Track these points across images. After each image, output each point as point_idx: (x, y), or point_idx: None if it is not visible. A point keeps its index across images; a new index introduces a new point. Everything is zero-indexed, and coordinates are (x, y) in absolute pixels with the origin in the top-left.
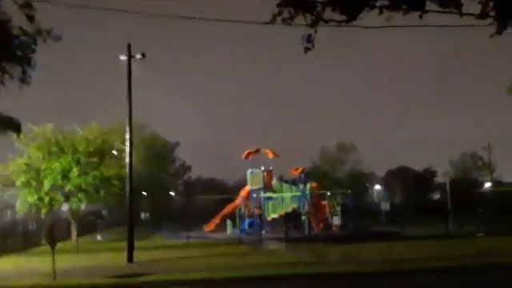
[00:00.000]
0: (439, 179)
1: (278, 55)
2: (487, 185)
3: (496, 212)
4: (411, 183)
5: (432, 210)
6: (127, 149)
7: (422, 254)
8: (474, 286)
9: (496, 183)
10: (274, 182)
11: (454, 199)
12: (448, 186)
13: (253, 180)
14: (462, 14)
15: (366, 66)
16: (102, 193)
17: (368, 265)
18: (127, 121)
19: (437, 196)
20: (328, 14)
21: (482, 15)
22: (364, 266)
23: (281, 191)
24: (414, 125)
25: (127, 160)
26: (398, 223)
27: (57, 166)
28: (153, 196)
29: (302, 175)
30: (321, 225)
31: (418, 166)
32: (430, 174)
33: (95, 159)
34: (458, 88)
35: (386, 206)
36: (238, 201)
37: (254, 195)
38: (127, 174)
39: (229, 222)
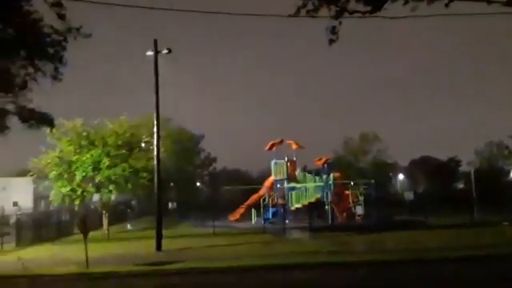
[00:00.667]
0: (464, 168)
1: (304, 46)
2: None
3: None
4: (435, 172)
5: (456, 199)
6: (155, 141)
7: (446, 242)
8: (498, 275)
9: None
10: (298, 172)
11: (479, 188)
12: (473, 175)
13: (277, 170)
14: (489, 2)
15: (391, 56)
16: (130, 184)
17: (391, 253)
18: (154, 114)
19: (461, 185)
20: (352, 5)
21: (510, 2)
22: (387, 255)
23: (304, 181)
24: (439, 114)
25: (155, 152)
26: (422, 213)
27: (88, 158)
28: (180, 187)
29: (326, 165)
30: (344, 214)
31: (442, 155)
32: (454, 163)
33: (124, 151)
34: (485, 76)
35: (409, 195)
36: (263, 191)
37: (278, 185)
38: (155, 166)
39: (253, 212)
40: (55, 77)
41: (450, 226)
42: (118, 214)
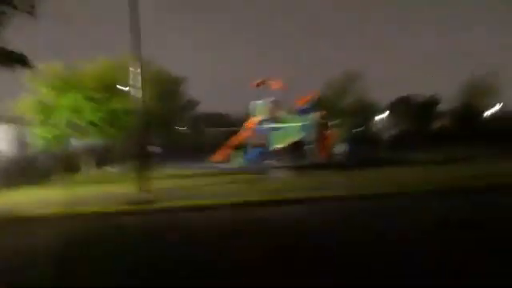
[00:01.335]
0: (444, 106)
1: None
2: (492, 110)
3: (500, 137)
4: (415, 111)
5: (435, 136)
6: (137, 82)
7: (423, 177)
8: (471, 206)
9: (501, 110)
10: (280, 112)
11: (459, 126)
12: (452, 112)
13: (259, 111)
14: None
15: None
16: (113, 128)
17: (371, 188)
18: (134, 54)
19: (441, 123)
20: None
21: None
22: (367, 189)
23: (286, 121)
24: (422, 49)
25: (137, 93)
26: (402, 150)
27: (68, 102)
28: (162, 130)
29: (309, 104)
30: (326, 153)
31: (423, 92)
32: (433, 100)
33: (104, 94)
34: (471, 12)
35: (389, 133)
36: (244, 132)
37: (260, 126)
38: (137, 107)
39: (235, 153)
40: (30, 13)
41: (428, 161)
42: (101, 158)
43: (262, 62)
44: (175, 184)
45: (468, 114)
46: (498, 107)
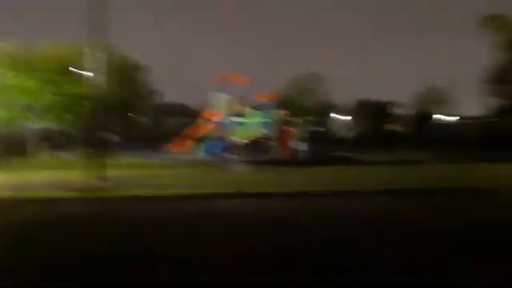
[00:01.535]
0: (401, 111)
1: None
2: (443, 117)
3: (453, 142)
4: (373, 114)
5: (392, 139)
6: (96, 67)
7: (377, 177)
8: (421, 207)
9: (453, 116)
10: (243, 107)
11: (413, 130)
12: (407, 118)
13: (221, 104)
14: None
15: None
16: (70, 112)
17: (328, 185)
18: (94, 38)
19: (397, 127)
20: None
21: None
22: (324, 186)
23: (249, 116)
24: (384, 57)
25: (96, 79)
26: (359, 150)
27: (23, 83)
28: (121, 118)
29: (271, 102)
30: (287, 150)
31: (381, 97)
32: (391, 105)
33: (63, 78)
34: (430, 22)
35: (348, 134)
36: (206, 124)
37: (222, 119)
38: (95, 93)
39: (196, 144)
40: None
41: (382, 162)
42: (57, 143)
43: (226, 56)
44: (130, 173)
45: (421, 120)
46: (449, 115)
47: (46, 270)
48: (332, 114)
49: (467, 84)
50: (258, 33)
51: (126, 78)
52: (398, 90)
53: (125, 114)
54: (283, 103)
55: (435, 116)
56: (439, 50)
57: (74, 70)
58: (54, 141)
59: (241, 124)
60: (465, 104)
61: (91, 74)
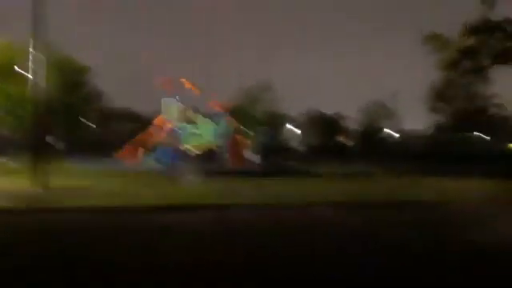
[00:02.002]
0: (348, 124)
1: None
2: (389, 131)
3: (399, 156)
4: (322, 126)
5: (339, 151)
6: (38, 68)
7: (327, 189)
8: (368, 220)
9: (399, 131)
10: (192, 114)
11: (360, 143)
12: (354, 131)
13: (169, 110)
14: None
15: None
16: (11, 115)
17: (277, 197)
18: (36, 37)
19: (344, 139)
20: None
21: None
22: (273, 199)
23: (199, 124)
24: (336, 66)
25: (38, 80)
26: (308, 162)
27: None
28: (64, 122)
29: (222, 110)
30: (237, 160)
31: (329, 109)
32: (339, 118)
33: (4, 79)
34: (379, 31)
35: (298, 145)
36: (153, 130)
37: (170, 126)
38: (36, 95)
39: (142, 152)
40: None
41: (332, 174)
42: None
43: (173, 62)
44: (76, 182)
45: (368, 134)
46: (395, 129)
47: None
48: (285, 125)
49: (413, 98)
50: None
51: (71, 80)
52: (346, 102)
53: (70, 118)
54: (234, 113)
55: (382, 130)
56: (387, 61)
57: (16, 70)
58: None
59: (192, 133)
60: (410, 118)
61: (33, 76)
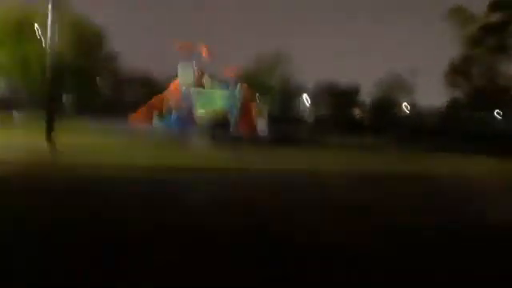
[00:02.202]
0: (363, 97)
1: None
2: (404, 106)
3: (412, 131)
4: (335, 98)
5: (351, 124)
6: (53, 28)
7: (337, 160)
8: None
9: (415, 106)
10: (206, 79)
11: (374, 116)
12: (368, 104)
13: (184, 74)
14: None
15: None
16: (20, 73)
17: (284, 164)
18: None
19: (358, 112)
20: None
21: None
22: (280, 165)
23: (212, 89)
24: (349, 39)
25: (52, 40)
26: (320, 133)
27: None
28: (78, 81)
29: (235, 77)
30: (248, 127)
31: (344, 80)
32: (353, 90)
33: (17, 37)
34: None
35: (310, 116)
36: (167, 94)
37: (184, 90)
38: (51, 54)
39: (155, 115)
40: None
41: (342, 146)
42: (6, 102)
43: (188, 26)
44: (87, 139)
45: (381, 107)
46: (410, 103)
47: None
48: (299, 96)
49: (432, 73)
50: (225, 5)
51: (85, 40)
52: (362, 75)
53: (84, 79)
54: (248, 80)
55: (397, 104)
56: (405, 36)
57: (28, 29)
58: (4, 100)
59: (206, 98)
60: (428, 94)
61: (49, 35)
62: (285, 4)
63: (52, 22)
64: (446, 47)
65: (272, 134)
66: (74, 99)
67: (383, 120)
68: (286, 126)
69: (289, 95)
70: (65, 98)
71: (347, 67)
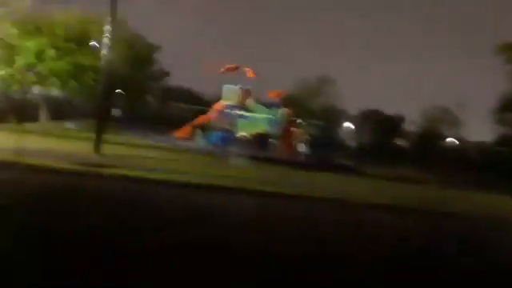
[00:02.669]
0: (407, 126)
1: None
2: (450, 139)
3: (455, 165)
4: (379, 126)
5: (394, 154)
6: (106, 40)
7: (372, 189)
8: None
9: (459, 140)
10: (249, 101)
11: (417, 147)
12: (413, 134)
13: (228, 95)
14: None
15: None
16: (74, 81)
17: (320, 190)
18: (109, 10)
19: (401, 142)
20: None
21: None
22: (316, 191)
23: (254, 111)
24: (396, 68)
25: (107, 52)
26: (362, 161)
27: (31, 44)
28: (127, 95)
29: (278, 99)
30: (287, 150)
31: (389, 109)
32: (398, 119)
33: (72, 45)
34: (448, 40)
35: (351, 142)
36: (211, 113)
37: (228, 111)
38: (104, 66)
39: (199, 133)
40: None
41: (380, 176)
42: (59, 111)
43: (236, 47)
44: (132, 152)
45: (426, 138)
46: (455, 137)
47: None
48: (341, 121)
49: (478, 107)
50: (274, 30)
51: (137, 55)
52: (405, 104)
53: (134, 93)
54: (289, 103)
55: (442, 136)
56: (456, 67)
57: (85, 40)
58: (57, 108)
59: (246, 117)
60: (473, 128)
61: (105, 49)
62: (332, 30)
63: (108, 36)
64: (497, 82)
65: (312, 159)
66: (123, 112)
67: (427, 151)
68: (328, 151)
69: (331, 120)
70: (114, 111)
71: (393, 95)
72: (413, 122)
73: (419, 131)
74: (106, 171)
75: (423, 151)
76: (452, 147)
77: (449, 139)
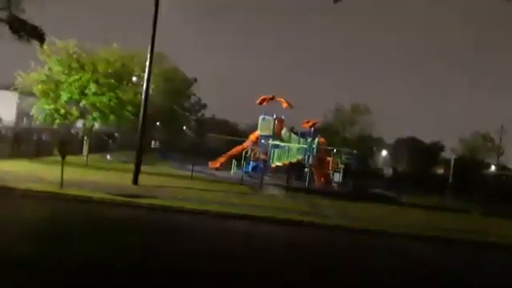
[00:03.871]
0: (446, 154)
1: (304, 8)
2: (492, 167)
3: (496, 194)
4: (417, 154)
5: (433, 182)
6: (145, 75)
7: (410, 220)
8: (449, 257)
9: (501, 167)
10: (284, 131)
11: (457, 176)
12: (453, 162)
13: (263, 126)
14: None
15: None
16: (114, 115)
17: (358, 222)
18: (149, 48)
19: (441, 170)
20: None
21: None
22: (354, 223)
23: (289, 141)
24: (432, 96)
25: (144, 86)
26: (397, 190)
27: (75, 80)
28: (165, 127)
29: (312, 129)
30: (322, 179)
31: (427, 137)
32: (437, 147)
33: (113, 81)
34: (485, 67)
35: (388, 171)
36: (246, 144)
37: (263, 141)
38: (142, 100)
39: (234, 163)
40: None
41: (420, 205)
42: (100, 144)
43: (271, 78)
44: (169, 183)
45: (467, 167)
46: (497, 165)
47: None
48: (378, 150)
49: None
50: (308, 59)
51: (175, 88)
52: (442, 132)
53: (172, 125)
54: (324, 131)
55: (483, 164)
56: (495, 94)
57: (125, 75)
58: (98, 141)
59: (279, 147)
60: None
61: (145, 84)
62: (370, 58)
63: (149, 71)
64: None
65: (348, 188)
66: (162, 144)
67: (467, 180)
68: (361, 180)
69: (367, 149)
70: (153, 143)
71: (432, 123)
72: (453, 150)
73: (459, 159)
74: (143, 201)
75: (464, 179)
76: (493, 175)
77: (489, 166)
